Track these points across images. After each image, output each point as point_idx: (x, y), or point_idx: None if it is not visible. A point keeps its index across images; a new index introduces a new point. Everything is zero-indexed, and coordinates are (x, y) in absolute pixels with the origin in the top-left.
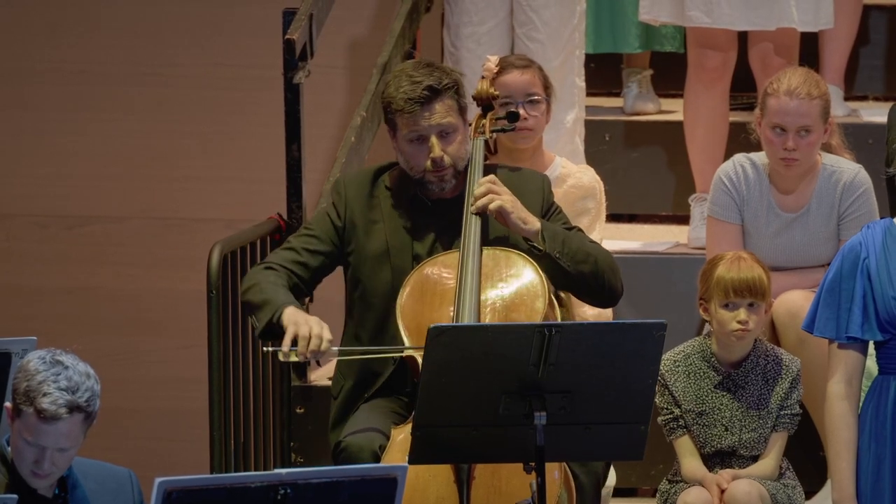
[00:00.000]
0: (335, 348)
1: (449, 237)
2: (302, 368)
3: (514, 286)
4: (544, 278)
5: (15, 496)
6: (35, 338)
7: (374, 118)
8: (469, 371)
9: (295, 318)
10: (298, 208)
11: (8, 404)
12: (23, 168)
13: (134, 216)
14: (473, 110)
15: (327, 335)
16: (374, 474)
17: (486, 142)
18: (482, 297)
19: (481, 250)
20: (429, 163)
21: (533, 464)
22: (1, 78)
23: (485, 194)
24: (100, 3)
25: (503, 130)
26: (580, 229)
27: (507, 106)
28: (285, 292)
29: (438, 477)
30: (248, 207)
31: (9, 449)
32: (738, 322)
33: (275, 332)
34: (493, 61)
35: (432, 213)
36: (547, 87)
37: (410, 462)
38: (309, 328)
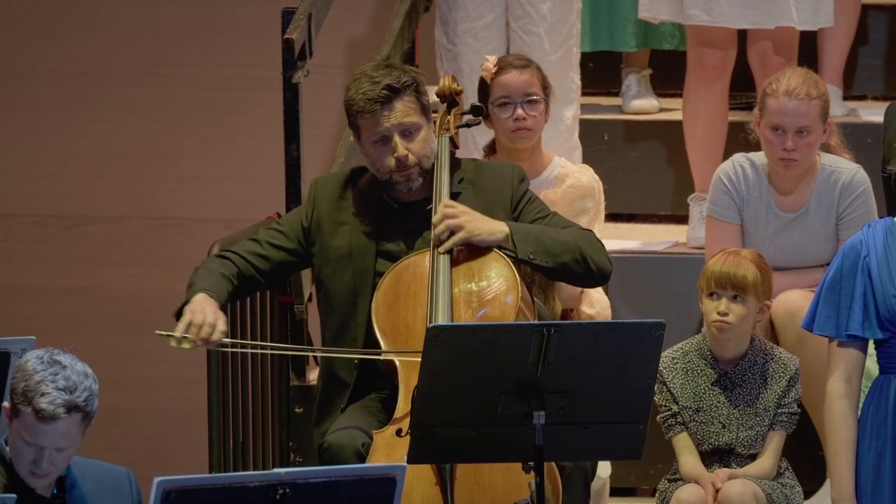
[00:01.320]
0: (227, 339)
1: (416, 239)
2: (301, 368)
3: (486, 281)
4: (515, 271)
5: (14, 496)
6: (34, 337)
7: None
8: (468, 370)
9: (193, 307)
10: None
11: (6, 404)
12: (22, 168)
13: (133, 216)
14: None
15: (221, 326)
16: (373, 474)
17: (452, 138)
18: (455, 294)
19: (450, 249)
20: (393, 162)
21: (532, 463)
22: (1, 78)
23: (442, 223)
24: (99, 4)
25: (468, 125)
26: (556, 213)
27: (506, 106)
28: (215, 281)
29: (422, 479)
30: (247, 207)
31: (7, 449)
32: (718, 312)
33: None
34: (491, 61)
35: (400, 216)
36: (545, 86)
37: (409, 462)
38: (203, 317)
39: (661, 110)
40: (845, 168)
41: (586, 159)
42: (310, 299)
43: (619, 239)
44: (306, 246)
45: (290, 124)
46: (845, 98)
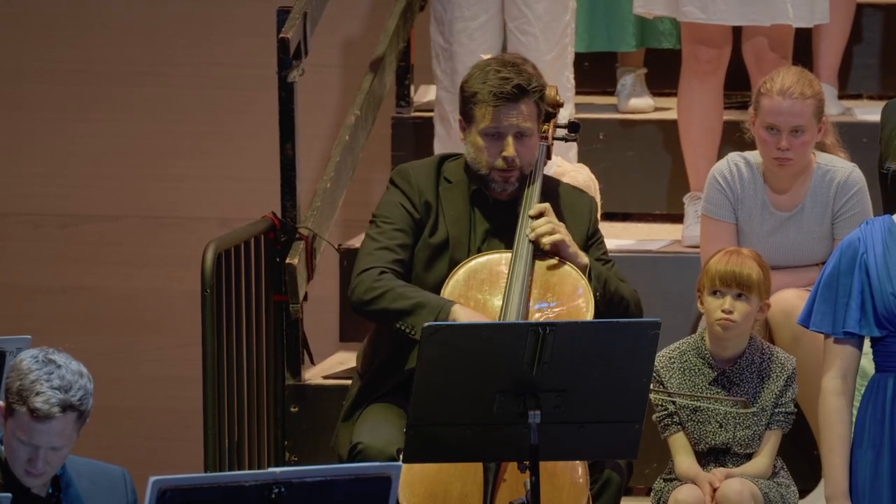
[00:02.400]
0: None
1: (503, 238)
2: (296, 368)
3: (562, 299)
4: (591, 292)
5: (9, 495)
6: (29, 337)
7: (368, 117)
8: (464, 369)
9: (470, 315)
10: (293, 207)
11: (1, 403)
12: (18, 167)
13: (129, 215)
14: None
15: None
16: (368, 473)
17: (548, 148)
18: (530, 303)
19: (533, 256)
20: (500, 161)
21: (527, 463)
22: None
23: (546, 228)
24: (95, 3)
25: (565, 140)
26: (615, 263)
27: None
28: (426, 292)
29: (465, 474)
30: (243, 206)
31: (2, 448)
32: (723, 311)
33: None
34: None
35: (490, 212)
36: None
37: (404, 461)
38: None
39: (657, 109)
40: (840, 167)
41: (581, 158)
42: (305, 299)
43: (615, 238)
44: (419, 235)
45: (286, 123)
46: (840, 97)
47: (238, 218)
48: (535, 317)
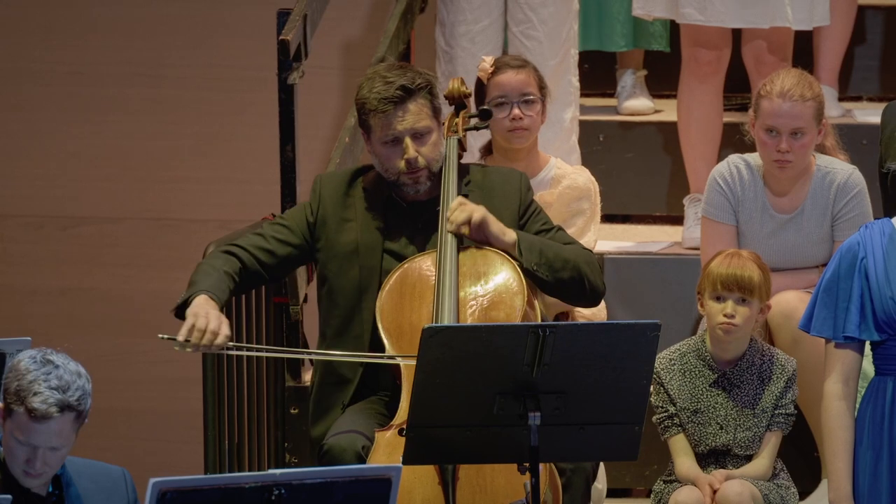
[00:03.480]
0: (231, 343)
1: (423, 238)
2: (296, 369)
3: (493, 284)
4: (522, 275)
5: (9, 496)
6: (29, 338)
7: None
8: (463, 371)
9: (196, 310)
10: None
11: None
12: (17, 169)
13: (128, 217)
14: (447, 110)
15: (224, 331)
16: (369, 475)
17: (460, 140)
18: (461, 296)
19: (458, 250)
20: (403, 164)
21: (527, 464)
22: None
23: (461, 216)
24: (94, 5)
25: (476, 128)
26: (560, 228)
27: (503, 106)
28: (216, 279)
29: (424, 478)
30: (243, 208)
31: (1, 448)
32: (725, 315)
33: (183, 315)
34: (488, 62)
35: (407, 215)
36: (542, 87)
37: (404, 463)
38: (206, 322)
39: (657, 111)
40: (840, 169)
41: (581, 160)
42: (305, 300)
43: (615, 240)
44: (311, 241)
45: (286, 125)
46: (841, 99)
47: (237, 220)
48: (470, 306)
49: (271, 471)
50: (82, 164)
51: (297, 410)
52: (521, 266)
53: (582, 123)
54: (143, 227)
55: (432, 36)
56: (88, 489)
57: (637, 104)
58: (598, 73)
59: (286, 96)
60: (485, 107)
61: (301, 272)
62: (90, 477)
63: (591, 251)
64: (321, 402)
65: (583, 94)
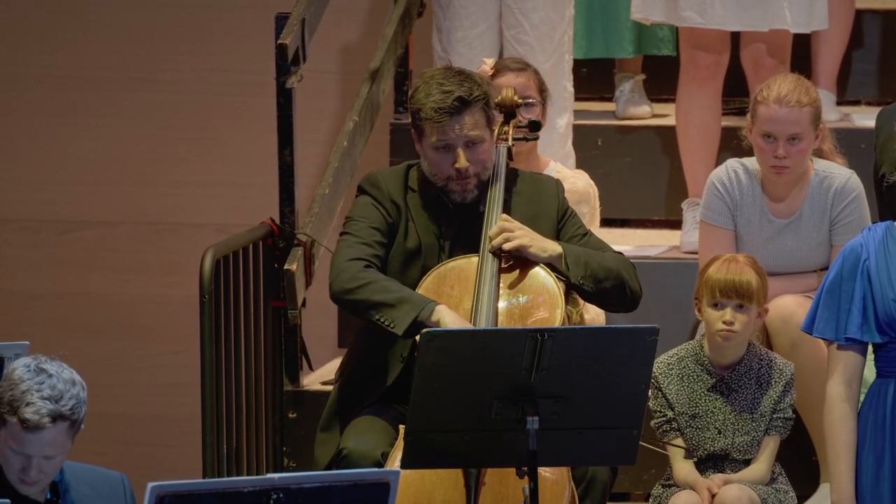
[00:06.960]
0: None
1: (468, 241)
2: (295, 373)
3: (530, 296)
4: (560, 289)
5: (7, 500)
6: (28, 343)
7: (366, 123)
8: (461, 376)
9: (455, 316)
10: (291, 213)
11: None
12: (14, 173)
13: (126, 221)
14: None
15: None
16: (367, 479)
17: (510, 149)
18: (499, 305)
19: (499, 259)
20: (453, 171)
21: (525, 469)
22: None
23: (500, 240)
24: (91, 9)
25: (525, 139)
26: (590, 232)
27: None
28: (410, 289)
29: (446, 481)
30: (241, 212)
31: None
32: (724, 322)
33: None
34: (488, 64)
35: (454, 216)
36: (542, 90)
37: (402, 467)
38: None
39: (655, 115)
40: (838, 173)
41: (580, 164)
42: (303, 304)
43: (613, 244)
44: (393, 238)
45: (284, 129)
46: (839, 103)
47: (236, 224)
48: (506, 314)
49: (269, 475)
50: (80, 169)
51: (295, 415)
52: (568, 281)
53: (580, 128)
54: (140, 231)
55: (430, 40)
56: (87, 495)
57: (635, 109)
58: (596, 78)
59: (284, 100)
60: (535, 118)
61: (299, 275)
62: (88, 482)
63: (626, 256)
64: (344, 404)
65: (581, 99)
